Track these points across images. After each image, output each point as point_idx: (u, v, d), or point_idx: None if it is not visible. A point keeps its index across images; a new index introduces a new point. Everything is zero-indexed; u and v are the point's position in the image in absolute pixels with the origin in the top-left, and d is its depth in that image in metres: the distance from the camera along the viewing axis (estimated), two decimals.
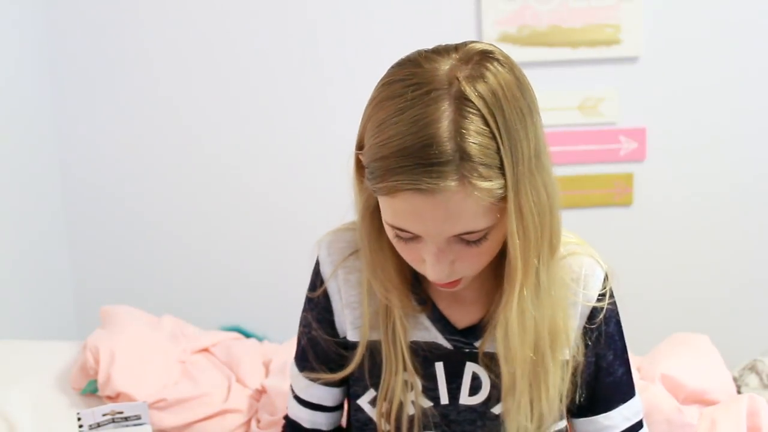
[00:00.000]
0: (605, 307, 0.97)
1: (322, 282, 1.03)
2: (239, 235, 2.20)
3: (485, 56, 0.82)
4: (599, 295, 0.97)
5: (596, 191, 2.12)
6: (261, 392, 1.63)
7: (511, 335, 0.89)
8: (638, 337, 1.68)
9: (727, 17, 2.04)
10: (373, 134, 0.82)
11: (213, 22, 2.08)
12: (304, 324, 1.07)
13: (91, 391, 1.57)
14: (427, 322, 0.98)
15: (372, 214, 0.93)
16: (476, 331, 0.98)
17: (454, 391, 0.99)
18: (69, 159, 2.16)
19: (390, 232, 0.87)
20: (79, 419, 1.21)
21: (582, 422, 1.02)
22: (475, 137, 0.78)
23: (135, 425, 1.22)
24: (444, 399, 0.99)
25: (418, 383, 0.99)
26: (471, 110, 0.78)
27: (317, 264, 1.05)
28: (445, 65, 0.81)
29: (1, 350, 1.68)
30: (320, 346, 1.05)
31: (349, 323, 1.02)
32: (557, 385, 0.94)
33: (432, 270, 0.85)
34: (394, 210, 0.82)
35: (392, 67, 0.85)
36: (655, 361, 1.62)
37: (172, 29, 2.09)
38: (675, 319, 2.12)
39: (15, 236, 1.95)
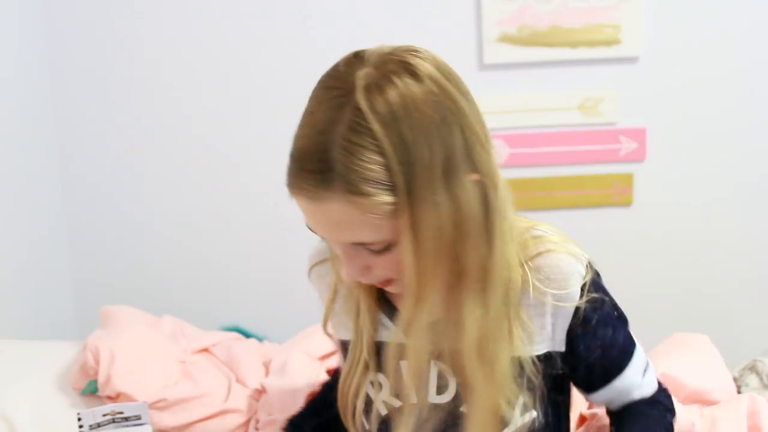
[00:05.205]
0: (592, 299, 0.95)
1: None
2: (239, 235, 2.19)
3: (402, 66, 0.81)
4: (581, 289, 0.95)
5: (596, 191, 2.12)
6: (261, 392, 1.63)
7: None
8: (638, 337, 1.67)
9: (727, 17, 2.04)
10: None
11: (214, 21, 2.08)
12: None
13: (91, 391, 1.57)
14: (387, 322, 0.98)
15: None
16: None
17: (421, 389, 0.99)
18: (69, 159, 2.16)
19: None
20: (79, 419, 1.21)
21: (602, 393, 1.04)
22: (360, 152, 0.77)
23: (135, 425, 1.22)
24: (413, 398, 0.99)
25: (386, 383, 0.99)
26: (362, 124, 0.78)
27: None
28: (359, 71, 0.81)
29: (1, 350, 1.68)
30: None
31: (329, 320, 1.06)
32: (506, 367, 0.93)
33: (343, 271, 0.87)
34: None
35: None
36: (655, 361, 1.61)
37: (172, 29, 2.09)
38: (675, 319, 2.12)
39: (15, 236, 1.95)
